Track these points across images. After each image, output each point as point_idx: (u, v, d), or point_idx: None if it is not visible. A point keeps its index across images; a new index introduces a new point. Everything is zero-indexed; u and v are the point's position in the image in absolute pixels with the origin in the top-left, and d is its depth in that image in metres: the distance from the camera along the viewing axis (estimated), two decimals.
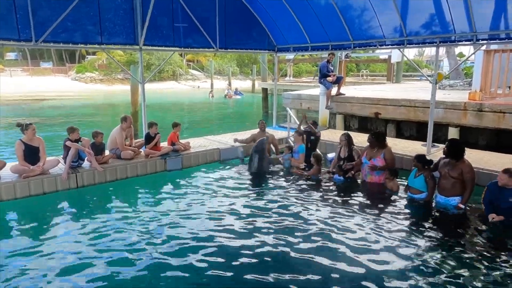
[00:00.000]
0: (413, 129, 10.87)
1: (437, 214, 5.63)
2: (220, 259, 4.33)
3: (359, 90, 14.77)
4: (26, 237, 4.96)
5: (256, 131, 9.16)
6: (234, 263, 4.23)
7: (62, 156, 6.97)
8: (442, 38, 7.55)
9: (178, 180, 7.37)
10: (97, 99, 31.37)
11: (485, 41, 7.31)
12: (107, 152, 7.53)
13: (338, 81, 11.98)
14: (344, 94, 12.14)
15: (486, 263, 4.19)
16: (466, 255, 4.38)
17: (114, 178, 7.20)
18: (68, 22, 7.19)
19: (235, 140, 9.05)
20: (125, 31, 7.93)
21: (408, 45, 8.21)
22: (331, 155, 8.31)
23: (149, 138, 7.87)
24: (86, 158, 7.00)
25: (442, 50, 20.77)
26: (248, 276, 3.96)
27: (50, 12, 6.87)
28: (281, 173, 7.66)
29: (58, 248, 4.61)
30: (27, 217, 5.78)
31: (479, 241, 4.81)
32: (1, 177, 6.21)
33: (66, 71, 49.91)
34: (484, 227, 5.13)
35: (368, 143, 6.80)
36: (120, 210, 5.93)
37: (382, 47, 8.86)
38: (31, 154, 6.41)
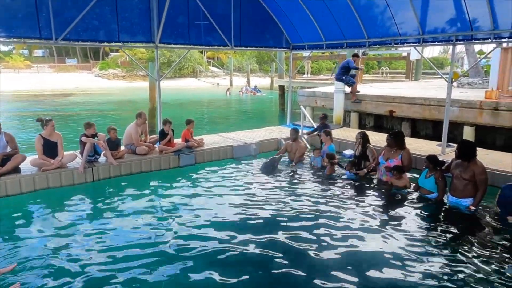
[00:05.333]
0: (429, 128, 10.72)
1: (448, 213, 5.57)
2: (228, 254, 4.42)
3: (375, 87, 14.60)
4: (44, 227, 5.18)
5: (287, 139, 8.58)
6: (243, 258, 4.33)
7: (79, 151, 7.22)
8: (459, 36, 7.41)
9: (190, 175, 7.52)
10: (118, 95, 31.99)
11: (504, 39, 7.15)
12: (122, 148, 7.75)
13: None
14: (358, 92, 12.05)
15: (497, 263, 4.17)
16: (478, 255, 4.34)
17: (129, 172, 7.42)
18: (87, 22, 7.47)
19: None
20: (142, 29, 8.17)
21: (424, 43, 8.11)
22: (348, 152, 8.33)
23: (163, 135, 8.05)
24: (102, 153, 7.23)
25: (462, 47, 20.22)
26: (256, 272, 4.07)
27: (69, 13, 7.16)
28: (292, 172, 7.70)
29: (73, 237, 4.82)
30: (45, 208, 6.01)
31: (491, 241, 4.76)
32: (21, 170, 6.49)
33: (90, 68, 51.18)
34: (496, 228, 5.08)
35: (387, 143, 6.69)
36: (134, 203, 6.13)
37: (398, 45, 8.76)
38: (49, 149, 6.68)
